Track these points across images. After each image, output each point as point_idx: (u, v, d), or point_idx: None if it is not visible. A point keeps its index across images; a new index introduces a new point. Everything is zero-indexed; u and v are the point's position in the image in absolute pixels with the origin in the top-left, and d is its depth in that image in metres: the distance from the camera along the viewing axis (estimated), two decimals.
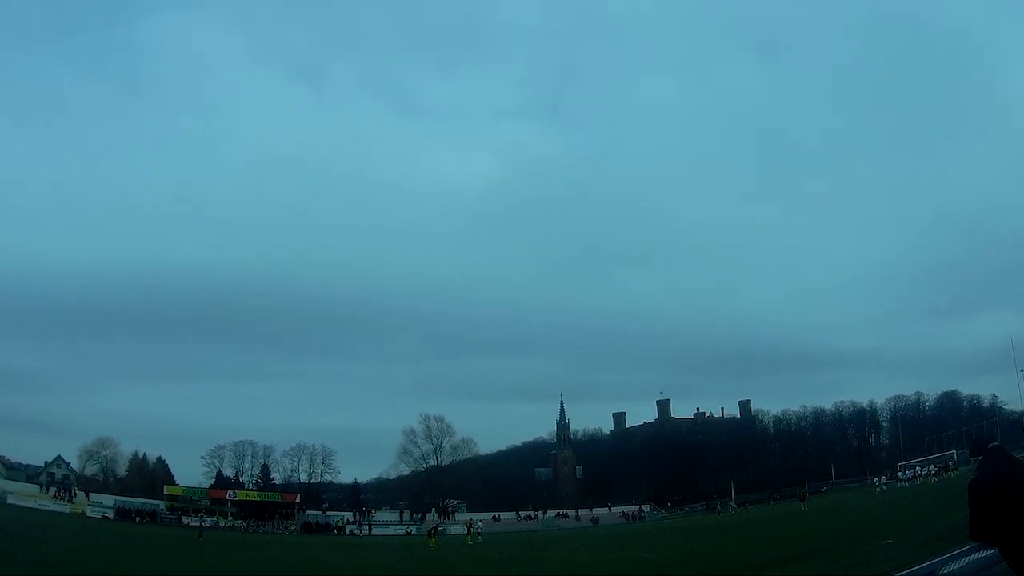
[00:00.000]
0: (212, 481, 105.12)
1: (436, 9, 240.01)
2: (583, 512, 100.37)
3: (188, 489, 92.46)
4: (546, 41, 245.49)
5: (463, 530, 65.54)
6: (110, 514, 73.47)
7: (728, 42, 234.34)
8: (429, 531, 55.40)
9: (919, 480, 74.87)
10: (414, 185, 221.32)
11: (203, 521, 70.85)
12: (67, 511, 69.92)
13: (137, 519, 73.40)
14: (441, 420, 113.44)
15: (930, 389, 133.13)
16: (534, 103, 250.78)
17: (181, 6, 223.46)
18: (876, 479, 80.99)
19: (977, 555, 8.38)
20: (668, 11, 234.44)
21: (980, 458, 6.48)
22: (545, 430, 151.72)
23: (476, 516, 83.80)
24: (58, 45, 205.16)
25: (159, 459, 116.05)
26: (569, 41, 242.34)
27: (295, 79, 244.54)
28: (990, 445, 6.45)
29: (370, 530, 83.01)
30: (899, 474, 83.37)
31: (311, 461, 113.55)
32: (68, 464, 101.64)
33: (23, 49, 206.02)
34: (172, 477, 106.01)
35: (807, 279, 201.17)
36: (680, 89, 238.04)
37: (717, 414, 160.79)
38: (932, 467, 78.61)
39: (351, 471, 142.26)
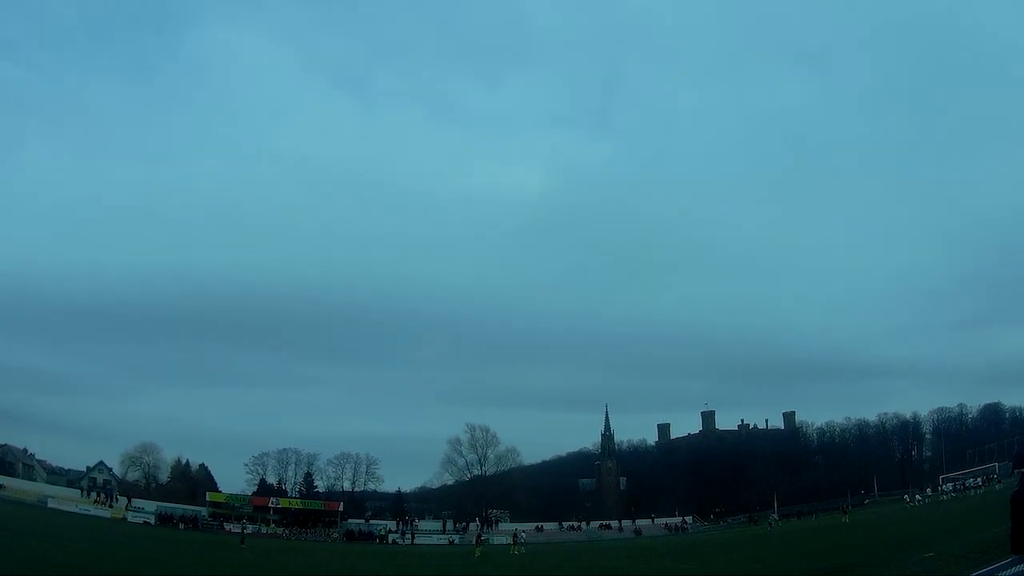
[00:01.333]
0: (255, 488, 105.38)
1: (481, 19, 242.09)
2: (626, 523, 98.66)
3: (231, 496, 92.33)
4: (592, 51, 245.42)
5: (505, 540, 64.29)
6: (151, 519, 73.57)
7: (771, 53, 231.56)
8: (476, 539, 54.73)
9: (954, 494, 73.92)
10: (461, 194, 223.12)
11: (245, 528, 70.44)
12: (108, 516, 70.23)
13: (180, 525, 73.24)
14: (486, 430, 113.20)
15: (973, 400, 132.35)
16: (581, 113, 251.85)
17: (227, 17, 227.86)
18: (906, 495, 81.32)
19: (1018, 568, 8.41)
20: (712, 22, 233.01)
21: (1023, 471, 6.98)
22: (589, 440, 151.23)
23: (520, 526, 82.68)
24: (105, 55, 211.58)
25: (202, 466, 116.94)
26: (614, 51, 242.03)
27: (340, 89, 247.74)
28: None
29: (413, 539, 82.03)
30: (927, 489, 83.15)
31: (355, 470, 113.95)
32: (110, 469, 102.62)
33: (72, 60, 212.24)
34: (215, 484, 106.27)
35: (850, 289, 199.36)
36: (723, 100, 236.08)
37: (761, 425, 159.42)
38: (978, 479, 77.32)
39: (395, 480, 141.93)
